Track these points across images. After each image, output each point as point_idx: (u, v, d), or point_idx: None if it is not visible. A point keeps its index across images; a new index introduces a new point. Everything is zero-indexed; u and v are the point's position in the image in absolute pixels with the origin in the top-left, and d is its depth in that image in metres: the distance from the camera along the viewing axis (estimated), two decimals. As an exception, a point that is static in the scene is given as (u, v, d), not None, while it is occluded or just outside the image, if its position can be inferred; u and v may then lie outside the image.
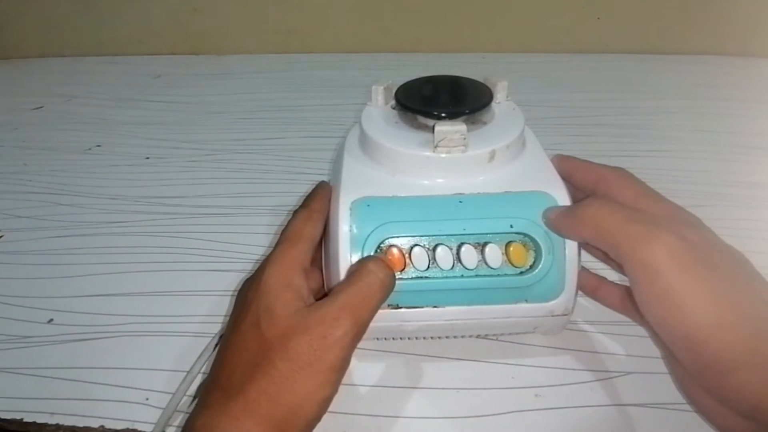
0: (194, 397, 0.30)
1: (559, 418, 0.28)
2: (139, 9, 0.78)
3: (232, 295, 0.28)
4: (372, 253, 0.27)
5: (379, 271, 0.25)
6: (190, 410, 0.28)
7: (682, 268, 0.21)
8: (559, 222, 0.26)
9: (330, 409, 0.29)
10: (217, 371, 0.26)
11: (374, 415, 0.29)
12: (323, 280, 0.30)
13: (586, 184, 0.29)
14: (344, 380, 0.30)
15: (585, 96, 0.63)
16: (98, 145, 0.57)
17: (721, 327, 0.21)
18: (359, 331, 0.24)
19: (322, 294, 0.28)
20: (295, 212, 0.30)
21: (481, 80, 0.33)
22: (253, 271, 0.28)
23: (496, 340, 0.32)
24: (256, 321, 0.25)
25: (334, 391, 0.24)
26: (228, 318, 0.28)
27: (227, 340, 0.26)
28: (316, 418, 0.24)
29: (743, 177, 0.47)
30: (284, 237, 0.28)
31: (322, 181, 0.32)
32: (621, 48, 0.74)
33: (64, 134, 0.60)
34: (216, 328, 0.34)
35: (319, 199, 0.30)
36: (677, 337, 0.22)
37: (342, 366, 0.24)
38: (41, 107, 0.67)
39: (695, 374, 0.23)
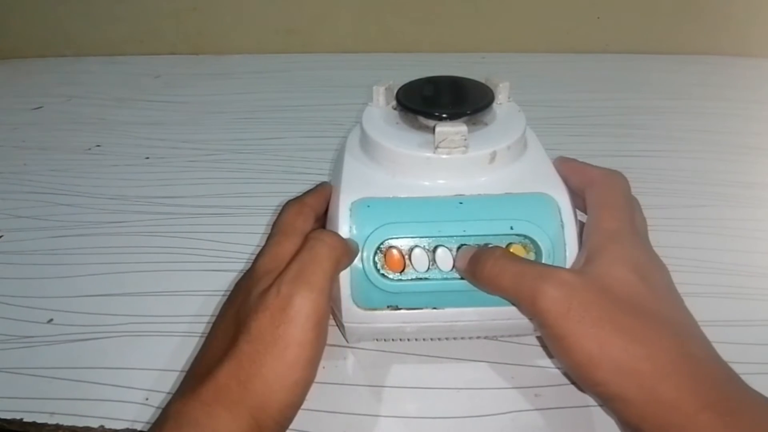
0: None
1: (559, 418, 0.28)
2: (139, 9, 0.78)
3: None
4: (371, 254, 0.27)
5: (324, 236, 0.25)
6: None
7: (560, 316, 0.23)
8: (467, 276, 0.27)
9: (330, 408, 0.29)
10: (197, 358, 0.25)
11: (374, 415, 0.29)
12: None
13: (579, 187, 0.29)
14: (344, 380, 0.31)
15: (585, 96, 0.63)
16: (98, 145, 0.57)
17: (589, 366, 0.23)
18: (318, 297, 0.23)
19: None
20: (287, 204, 0.29)
21: (482, 81, 0.33)
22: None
23: (496, 340, 0.32)
24: (238, 309, 0.25)
25: (306, 374, 0.23)
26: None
27: (211, 329, 0.26)
28: (291, 405, 0.23)
29: (743, 177, 0.47)
30: (277, 229, 0.28)
31: (324, 182, 0.32)
32: (621, 48, 0.74)
33: (64, 134, 0.60)
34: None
35: (314, 196, 0.30)
36: (566, 370, 0.25)
37: (311, 340, 0.23)
38: (41, 107, 0.67)
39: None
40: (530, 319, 0.26)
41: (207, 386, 0.23)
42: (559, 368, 0.31)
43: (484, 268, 0.25)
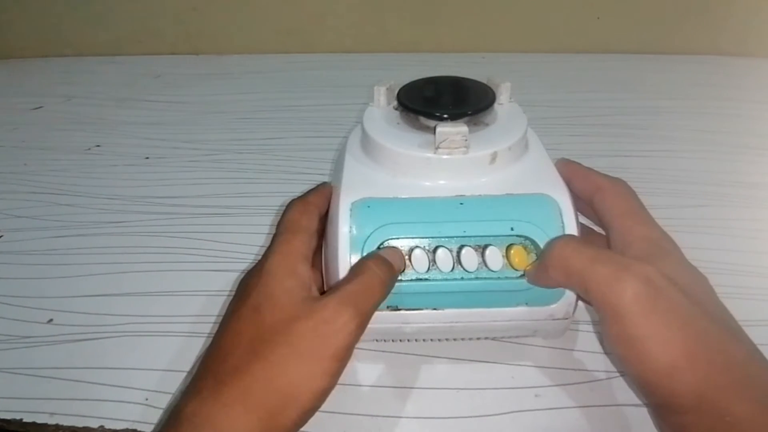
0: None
1: (559, 418, 0.28)
2: (139, 9, 0.78)
3: (230, 295, 0.28)
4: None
5: (379, 270, 0.26)
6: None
7: (643, 314, 0.21)
8: (534, 275, 0.26)
9: (330, 409, 0.29)
10: (210, 357, 0.25)
11: (374, 415, 0.29)
12: (323, 282, 0.30)
13: (584, 193, 0.29)
14: (344, 380, 0.31)
15: (585, 96, 0.63)
16: (98, 145, 0.57)
17: (672, 374, 0.21)
18: (361, 321, 0.24)
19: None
20: (291, 202, 0.29)
21: (484, 81, 0.33)
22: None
23: (495, 340, 0.32)
24: (257, 307, 0.25)
25: (332, 384, 0.24)
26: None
27: (223, 326, 0.26)
28: (311, 410, 0.23)
29: (743, 177, 0.47)
30: (283, 228, 0.28)
31: (325, 182, 0.32)
32: (621, 48, 0.74)
33: (64, 134, 0.60)
34: (213, 329, 0.34)
35: (317, 195, 0.30)
36: (634, 377, 0.23)
37: (344, 356, 0.24)
38: (41, 107, 0.67)
39: (652, 407, 0.25)
40: (597, 311, 0.24)
41: (229, 387, 0.22)
42: (559, 368, 0.31)
43: (554, 248, 0.24)
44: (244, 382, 0.23)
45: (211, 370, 0.24)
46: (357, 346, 0.32)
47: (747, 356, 0.22)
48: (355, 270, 0.26)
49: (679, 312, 0.22)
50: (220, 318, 0.34)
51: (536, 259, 0.26)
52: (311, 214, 0.29)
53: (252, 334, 0.24)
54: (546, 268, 0.25)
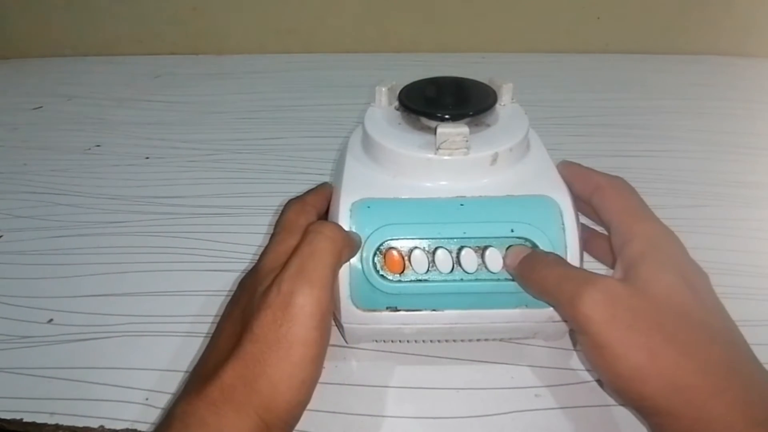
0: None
1: (559, 418, 0.28)
2: (139, 9, 0.78)
3: (230, 294, 0.28)
4: (371, 255, 0.27)
5: (324, 228, 0.25)
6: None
7: (605, 323, 0.22)
8: (516, 275, 0.27)
9: (330, 409, 0.29)
10: (202, 359, 0.25)
11: (374, 415, 0.29)
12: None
13: (584, 193, 0.29)
14: (344, 380, 0.31)
15: (585, 96, 0.63)
16: (98, 145, 0.57)
17: (638, 378, 0.22)
18: (320, 294, 0.23)
19: None
20: (289, 202, 0.29)
21: (485, 81, 0.33)
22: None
23: (495, 340, 0.32)
24: (244, 308, 0.25)
25: (312, 372, 0.23)
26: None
27: (216, 329, 0.26)
28: (298, 404, 0.23)
29: (743, 177, 0.47)
30: (280, 227, 0.28)
31: (325, 182, 0.32)
32: (621, 48, 0.74)
33: (64, 134, 0.60)
34: (212, 329, 0.34)
35: (315, 195, 0.30)
36: (606, 382, 0.24)
37: (314, 339, 0.23)
38: (41, 107, 0.67)
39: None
40: (567, 323, 0.26)
41: (213, 386, 0.22)
42: (558, 369, 0.31)
43: (534, 270, 0.25)
44: (226, 381, 0.22)
45: (200, 371, 0.24)
46: (356, 346, 0.32)
47: (727, 358, 0.22)
48: (300, 240, 0.25)
49: (642, 318, 0.22)
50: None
51: (518, 259, 0.26)
52: (309, 214, 0.28)
53: (236, 334, 0.24)
54: (524, 283, 0.26)
